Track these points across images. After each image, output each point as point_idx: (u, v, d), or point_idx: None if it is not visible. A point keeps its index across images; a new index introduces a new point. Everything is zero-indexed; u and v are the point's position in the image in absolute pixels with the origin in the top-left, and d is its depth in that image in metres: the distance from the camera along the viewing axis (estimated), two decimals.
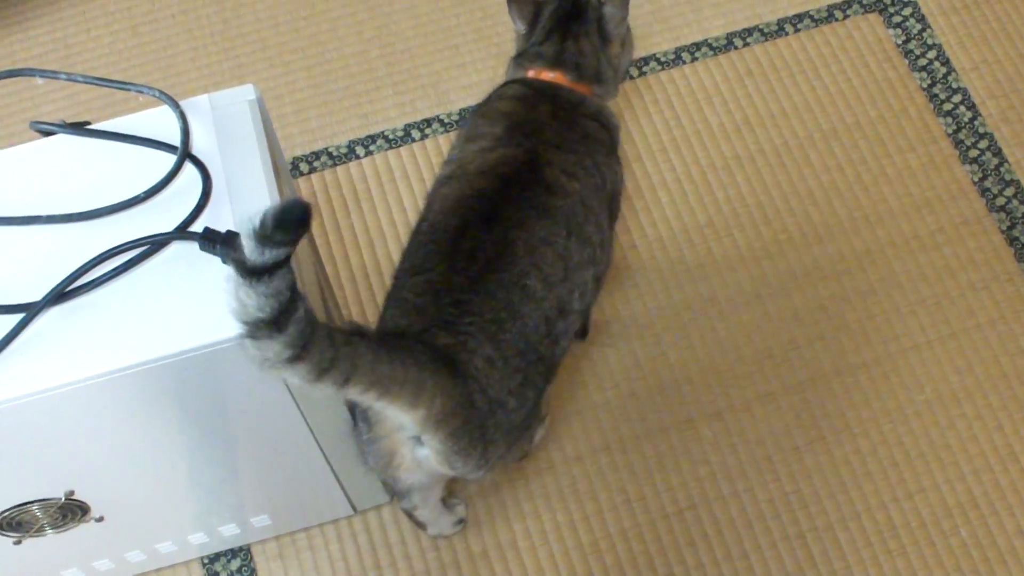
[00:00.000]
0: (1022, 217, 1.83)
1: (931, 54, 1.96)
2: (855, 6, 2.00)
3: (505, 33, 1.97)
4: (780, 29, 1.98)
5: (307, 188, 1.85)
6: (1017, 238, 1.82)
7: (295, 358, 1.01)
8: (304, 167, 1.87)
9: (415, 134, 1.89)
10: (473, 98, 1.91)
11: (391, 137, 1.89)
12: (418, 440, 1.25)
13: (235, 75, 1.94)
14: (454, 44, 1.97)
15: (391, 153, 1.88)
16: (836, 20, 1.98)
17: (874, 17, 1.99)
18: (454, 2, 2.02)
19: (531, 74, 1.44)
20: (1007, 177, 1.86)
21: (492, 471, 1.32)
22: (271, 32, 2.01)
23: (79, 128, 1.27)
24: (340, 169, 1.88)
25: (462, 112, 1.90)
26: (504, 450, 1.31)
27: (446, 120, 1.90)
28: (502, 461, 1.33)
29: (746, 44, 1.97)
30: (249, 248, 0.93)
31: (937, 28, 1.98)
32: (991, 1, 2.00)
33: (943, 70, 1.95)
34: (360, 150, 1.89)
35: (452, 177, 1.34)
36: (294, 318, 0.99)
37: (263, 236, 0.92)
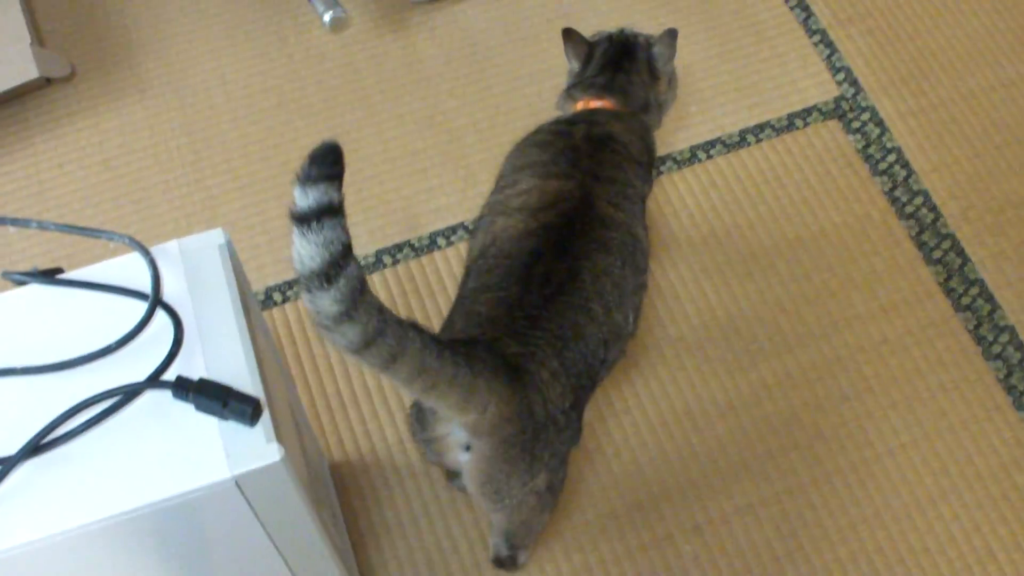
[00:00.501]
0: (987, 315, 1.85)
1: (891, 157, 2.00)
2: (815, 113, 2.04)
3: (473, 154, 2.01)
4: (742, 140, 2.02)
5: (281, 318, 1.87)
6: (984, 337, 1.84)
7: (344, 315, 1.08)
8: (278, 297, 1.89)
9: (386, 259, 1.91)
10: (443, 221, 1.94)
11: (362, 264, 1.91)
12: (466, 448, 1.34)
13: (206, 206, 1.97)
14: (422, 167, 2.00)
15: None
16: (797, 128, 2.02)
17: (834, 124, 2.03)
18: (420, 125, 2.04)
19: (580, 105, 1.61)
20: (971, 277, 1.89)
21: (515, 500, 1.41)
22: (241, 162, 2.03)
23: (51, 278, 1.29)
24: None
25: (432, 236, 1.93)
26: (539, 476, 1.39)
27: (417, 245, 1.92)
28: (526, 496, 1.42)
29: (709, 156, 2.00)
30: (297, 195, 1.05)
31: (896, 132, 2.02)
32: (946, 103, 2.04)
33: (903, 173, 1.99)
34: None
35: (513, 209, 1.46)
36: (344, 272, 1.06)
37: (304, 177, 1.05)
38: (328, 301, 1.07)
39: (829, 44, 2.11)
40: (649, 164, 1.58)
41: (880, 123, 2.03)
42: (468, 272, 1.47)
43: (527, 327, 1.34)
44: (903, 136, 2.01)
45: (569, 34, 1.64)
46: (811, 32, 2.12)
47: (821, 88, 2.06)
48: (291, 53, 2.13)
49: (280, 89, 2.09)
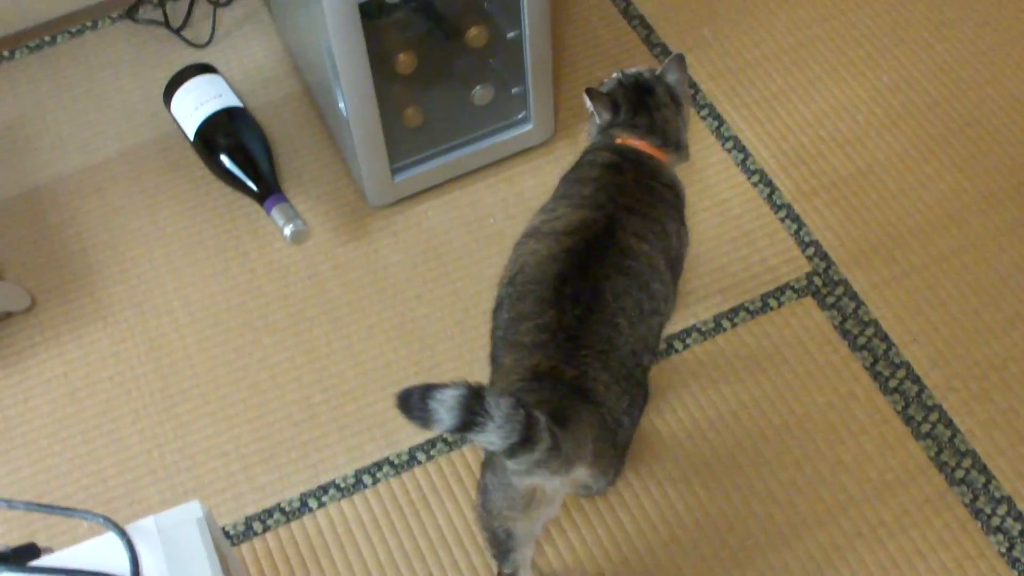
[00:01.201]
0: (983, 487, 1.81)
1: (869, 331, 1.98)
2: (788, 292, 2.02)
3: (445, 363, 1.97)
4: (718, 326, 1.99)
5: (263, 549, 1.81)
6: (981, 510, 1.80)
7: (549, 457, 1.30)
8: (258, 526, 1.83)
9: (366, 479, 1.87)
10: (421, 435, 1.89)
11: (342, 486, 1.86)
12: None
13: (178, 434, 1.92)
14: (395, 380, 1.96)
15: (344, 502, 1.85)
16: (771, 309, 2.00)
17: (808, 301, 2.01)
18: (390, 335, 2.01)
19: (619, 140, 1.68)
20: (962, 448, 1.86)
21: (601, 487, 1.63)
22: (211, 386, 1.99)
23: (24, 563, 1.24)
24: (295, 524, 1.84)
25: (411, 451, 1.88)
26: (618, 465, 1.58)
27: (396, 462, 1.87)
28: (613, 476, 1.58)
29: (686, 345, 1.98)
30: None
31: (871, 304, 2.00)
32: (919, 270, 2.03)
33: (883, 346, 1.96)
34: (313, 502, 1.86)
35: (542, 234, 1.59)
36: (538, 431, 1.26)
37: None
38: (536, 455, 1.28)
39: (796, 218, 2.10)
40: (681, 208, 1.70)
41: (854, 296, 2.01)
42: (500, 303, 1.60)
43: (572, 348, 1.47)
44: (879, 307, 1.99)
45: (592, 92, 1.70)
46: (776, 207, 2.11)
47: (792, 264, 2.05)
48: (253, 268, 2.10)
49: (245, 307, 2.05)
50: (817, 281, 2.03)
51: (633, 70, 1.75)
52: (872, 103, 2.23)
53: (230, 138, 2.14)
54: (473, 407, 1.21)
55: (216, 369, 2.00)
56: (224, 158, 2.12)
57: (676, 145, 1.71)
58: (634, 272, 1.55)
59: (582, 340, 1.48)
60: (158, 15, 2.42)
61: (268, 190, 2.09)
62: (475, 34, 2.01)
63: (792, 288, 2.02)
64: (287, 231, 2.03)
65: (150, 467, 1.91)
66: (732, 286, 2.02)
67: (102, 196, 2.22)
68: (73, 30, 2.45)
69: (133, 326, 2.05)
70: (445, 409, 1.22)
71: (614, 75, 1.75)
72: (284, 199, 2.07)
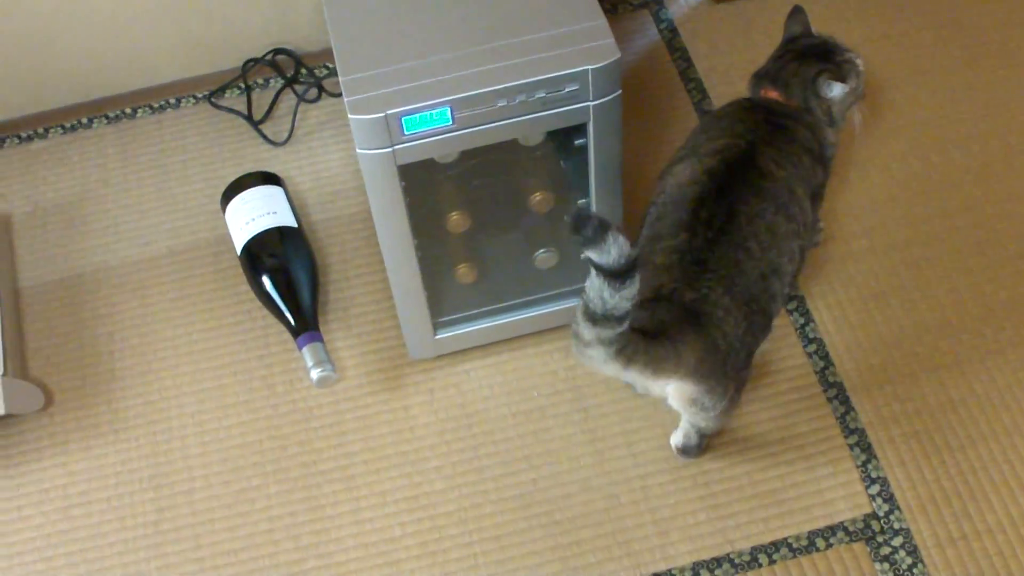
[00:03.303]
0: None
1: None
2: (839, 533, 1.81)
3: (451, 551, 1.84)
4: (753, 559, 1.80)
5: None
6: None
7: (614, 345, 1.42)
8: None
9: None
10: None
11: None
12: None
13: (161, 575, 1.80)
14: (394, 561, 1.82)
15: None
16: (817, 550, 1.80)
17: (860, 547, 1.80)
18: (401, 508, 1.88)
19: (762, 93, 1.79)
20: None
21: (716, 411, 1.68)
22: (205, 529, 1.87)
23: None
24: None
25: None
26: (732, 392, 1.67)
27: None
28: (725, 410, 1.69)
29: None
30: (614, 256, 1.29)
31: (930, 563, 1.78)
32: (993, 531, 1.80)
33: None
34: None
35: (685, 158, 1.69)
36: (628, 319, 1.38)
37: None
38: (612, 335, 1.40)
39: (867, 447, 1.89)
40: (820, 155, 1.74)
41: (914, 550, 1.79)
42: (646, 216, 1.70)
43: (698, 272, 1.56)
44: (937, 569, 1.77)
45: (794, 12, 1.85)
46: (848, 431, 1.90)
47: (851, 502, 1.84)
48: (276, 405, 1.97)
49: (260, 446, 1.93)
50: (875, 526, 1.81)
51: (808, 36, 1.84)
52: (982, 323, 1.99)
53: (275, 259, 2.02)
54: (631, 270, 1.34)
55: (215, 511, 1.88)
56: (266, 280, 2.00)
57: (803, 103, 1.76)
58: (771, 194, 1.62)
59: (709, 263, 1.56)
60: (241, 103, 2.30)
61: (304, 325, 1.96)
62: (540, 199, 1.84)
63: (846, 530, 1.81)
64: (314, 375, 1.90)
65: None
66: (778, 515, 1.82)
67: (143, 295, 2.11)
68: (155, 105, 2.36)
69: (143, 446, 1.94)
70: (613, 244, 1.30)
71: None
72: (319, 338, 1.94)
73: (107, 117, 2.36)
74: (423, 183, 1.78)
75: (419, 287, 1.82)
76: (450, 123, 1.59)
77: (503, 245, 1.94)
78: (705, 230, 1.58)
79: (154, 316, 2.10)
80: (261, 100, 2.35)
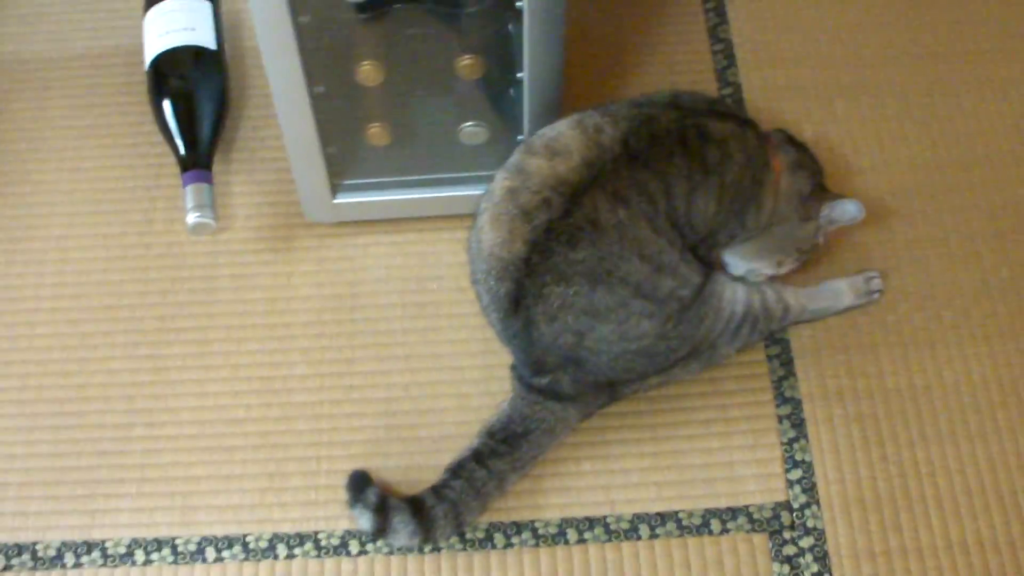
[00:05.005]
0: None
1: None
2: (741, 518, 1.56)
3: (300, 436, 1.60)
4: (633, 528, 1.55)
5: None
6: None
7: None
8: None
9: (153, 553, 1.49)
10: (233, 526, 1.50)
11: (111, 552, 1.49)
12: None
13: None
14: (231, 446, 1.57)
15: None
16: (710, 533, 1.55)
17: (760, 540, 1.55)
18: (253, 386, 1.65)
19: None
20: None
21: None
22: (36, 369, 1.67)
23: None
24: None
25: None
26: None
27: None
28: None
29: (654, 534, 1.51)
30: None
31: (838, 575, 1.48)
32: (922, 554, 1.52)
33: None
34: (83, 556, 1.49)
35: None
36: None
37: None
38: None
39: (799, 423, 1.62)
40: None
41: (823, 557, 1.53)
42: None
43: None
44: None
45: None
46: (781, 399, 1.63)
47: (763, 484, 1.58)
48: (149, 244, 1.75)
49: (120, 287, 1.72)
50: (785, 519, 1.54)
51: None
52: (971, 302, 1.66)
53: (181, 82, 1.75)
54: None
55: (52, 351, 1.66)
56: (165, 103, 1.73)
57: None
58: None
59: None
60: None
61: (195, 162, 1.70)
62: (468, 64, 1.54)
63: (749, 516, 1.56)
64: (190, 219, 1.65)
65: None
66: (675, 483, 1.57)
67: (43, 97, 1.88)
68: None
69: None
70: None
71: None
72: (207, 179, 1.68)
73: None
74: (328, 23, 1.49)
75: (313, 137, 1.55)
76: None
77: (425, 111, 1.65)
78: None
79: (48, 122, 1.86)
80: None
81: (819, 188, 1.57)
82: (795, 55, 1.88)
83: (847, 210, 1.55)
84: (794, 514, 1.53)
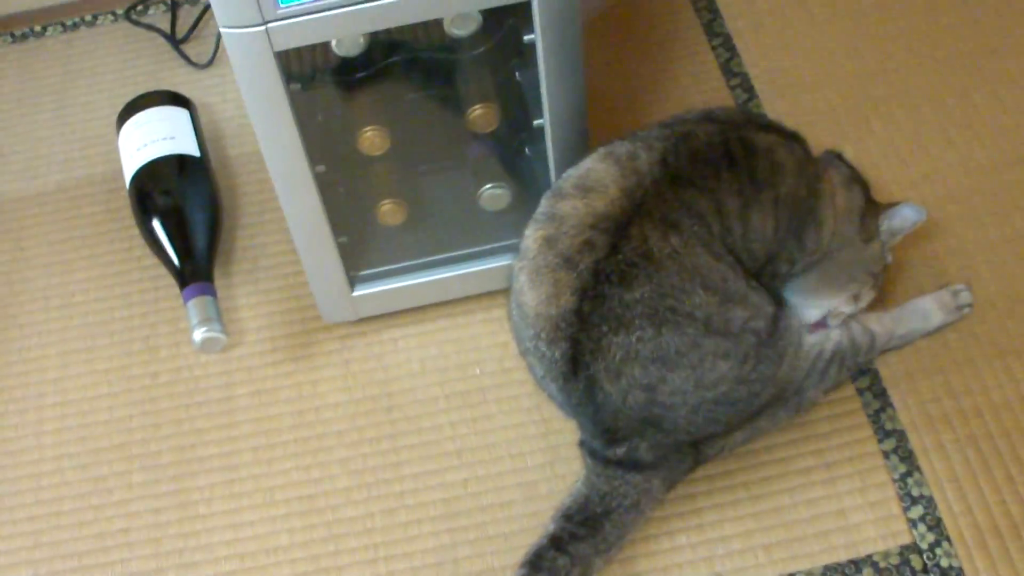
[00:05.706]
0: None
1: None
2: (866, 570, 1.38)
3: (349, 568, 1.38)
4: None
5: None
6: None
7: None
8: None
9: None
10: None
11: None
12: None
13: None
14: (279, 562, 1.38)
15: None
16: None
17: None
18: (292, 509, 1.48)
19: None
20: None
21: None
22: (48, 524, 1.50)
23: None
24: None
25: None
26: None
27: None
28: None
29: None
30: None
31: None
32: None
33: None
34: None
35: None
36: None
37: None
38: None
39: (907, 456, 1.46)
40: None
41: None
42: None
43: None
44: None
45: None
46: (883, 433, 1.47)
47: (883, 529, 1.40)
48: (156, 373, 1.60)
49: (129, 423, 1.57)
50: (915, 563, 1.36)
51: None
52: None
53: (167, 194, 1.61)
54: None
55: (63, 503, 1.48)
56: (155, 221, 1.58)
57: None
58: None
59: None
60: (165, 20, 1.90)
61: (195, 275, 1.54)
62: (480, 114, 1.40)
63: (875, 566, 1.38)
64: (197, 336, 1.48)
65: None
66: (784, 542, 1.39)
67: (20, 237, 1.74)
68: (68, 23, 1.96)
69: None
70: None
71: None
72: (210, 292, 1.52)
73: (12, 35, 1.97)
74: (322, 85, 1.35)
75: (322, 223, 1.40)
76: None
77: (439, 178, 1.50)
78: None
79: (28, 262, 1.70)
80: (188, 17, 1.94)
81: (871, 203, 1.42)
82: (816, 77, 1.76)
83: (906, 215, 1.40)
84: (924, 555, 1.35)
